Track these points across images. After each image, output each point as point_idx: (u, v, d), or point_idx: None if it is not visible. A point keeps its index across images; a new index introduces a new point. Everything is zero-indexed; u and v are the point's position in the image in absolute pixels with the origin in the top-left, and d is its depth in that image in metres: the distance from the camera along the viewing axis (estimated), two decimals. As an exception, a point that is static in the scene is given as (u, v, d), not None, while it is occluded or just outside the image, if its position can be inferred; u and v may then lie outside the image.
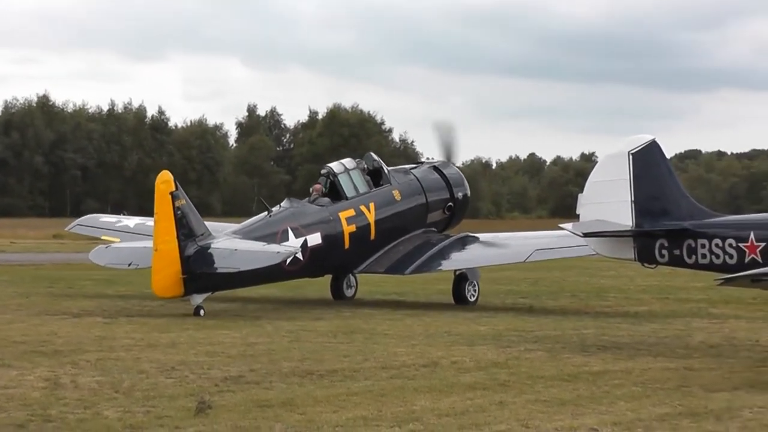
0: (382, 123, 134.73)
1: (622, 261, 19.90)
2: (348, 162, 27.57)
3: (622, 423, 11.69)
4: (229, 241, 23.85)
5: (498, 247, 27.09)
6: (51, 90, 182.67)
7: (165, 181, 23.11)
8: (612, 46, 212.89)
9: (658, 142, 18.31)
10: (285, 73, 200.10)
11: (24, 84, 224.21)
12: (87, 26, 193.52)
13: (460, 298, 26.56)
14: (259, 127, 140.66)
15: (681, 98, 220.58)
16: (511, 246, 26.83)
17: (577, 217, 18.85)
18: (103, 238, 29.13)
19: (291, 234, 25.07)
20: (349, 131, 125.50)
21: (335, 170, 27.05)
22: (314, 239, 25.50)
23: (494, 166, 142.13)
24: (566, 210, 77.82)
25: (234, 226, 26.04)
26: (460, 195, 29.01)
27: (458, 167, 30.59)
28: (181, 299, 23.40)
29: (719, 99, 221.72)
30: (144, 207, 78.14)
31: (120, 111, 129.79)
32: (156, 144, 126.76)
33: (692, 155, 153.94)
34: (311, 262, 25.46)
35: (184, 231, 22.96)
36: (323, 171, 27.47)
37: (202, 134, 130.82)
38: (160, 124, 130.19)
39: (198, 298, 23.13)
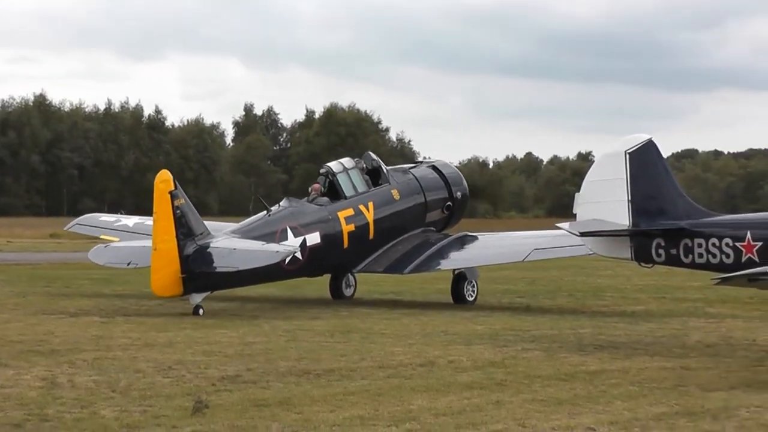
0: (379, 122, 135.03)
1: (619, 260, 19.90)
2: (347, 161, 27.56)
3: (618, 422, 11.69)
4: (228, 241, 23.86)
5: (496, 247, 27.14)
6: (48, 89, 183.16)
7: (164, 180, 23.12)
8: (611, 46, 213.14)
9: (655, 141, 18.33)
10: (284, 73, 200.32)
11: (21, 83, 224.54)
12: (85, 26, 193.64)
13: (458, 298, 26.57)
14: (256, 126, 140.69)
15: (680, 98, 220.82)
16: (510, 245, 26.86)
17: (574, 216, 18.86)
18: (102, 237, 29.14)
19: (290, 233, 25.07)
20: (346, 130, 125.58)
21: (334, 170, 27.04)
22: (313, 239, 25.51)
23: (491, 165, 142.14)
24: (563, 209, 77.96)
25: (233, 226, 26.06)
26: (458, 194, 29.01)
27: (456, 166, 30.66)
28: (180, 298, 23.42)
29: (719, 99, 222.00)
30: (141, 206, 78.40)
31: (117, 110, 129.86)
32: (153, 143, 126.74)
33: (689, 155, 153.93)
34: (310, 262, 25.47)
35: (183, 230, 22.97)
36: (322, 170, 27.46)
37: (199, 133, 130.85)
38: (157, 123, 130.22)
39: (197, 298, 23.14)
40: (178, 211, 22.93)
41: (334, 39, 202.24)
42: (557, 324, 21.59)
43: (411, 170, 29.11)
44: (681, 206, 18.04)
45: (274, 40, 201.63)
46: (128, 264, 25.11)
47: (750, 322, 22.24)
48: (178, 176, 25.90)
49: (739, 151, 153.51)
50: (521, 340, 19.01)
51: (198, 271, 22.92)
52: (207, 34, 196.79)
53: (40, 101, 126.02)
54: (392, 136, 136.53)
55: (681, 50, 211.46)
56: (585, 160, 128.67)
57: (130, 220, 29.99)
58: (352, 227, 26.45)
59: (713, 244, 17.47)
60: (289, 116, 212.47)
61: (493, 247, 27.17)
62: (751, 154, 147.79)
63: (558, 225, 20.57)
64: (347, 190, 26.84)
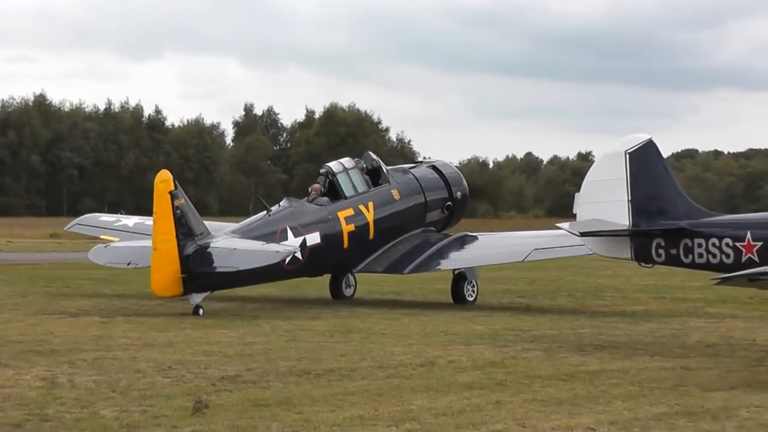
0: (379, 122, 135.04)
1: (618, 260, 19.89)
2: (347, 161, 27.56)
3: (618, 422, 11.69)
4: (228, 241, 23.86)
5: (496, 247, 27.14)
6: (48, 89, 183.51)
7: (164, 180, 23.12)
8: (611, 46, 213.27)
9: (655, 141, 18.32)
10: (283, 73, 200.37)
11: (21, 83, 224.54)
12: (85, 25, 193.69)
13: (458, 298, 26.56)
14: (255, 126, 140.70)
15: (680, 98, 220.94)
16: (510, 245, 26.86)
17: (574, 216, 18.86)
18: (102, 237, 29.14)
19: (290, 233, 25.07)
20: (346, 130, 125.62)
21: (334, 169, 27.04)
22: (313, 238, 25.51)
23: (491, 165, 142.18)
24: (563, 209, 77.95)
25: (233, 226, 26.05)
26: (458, 194, 29.01)
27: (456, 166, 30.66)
28: (180, 298, 23.42)
29: (718, 99, 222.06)
30: (141, 206, 78.40)
31: (117, 110, 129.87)
32: (153, 143, 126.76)
33: (689, 155, 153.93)
34: (310, 262, 25.47)
35: (183, 230, 22.97)
36: (322, 170, 27.46)
37: (199, 133, 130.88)
38: (157, 123, 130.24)
39: (197, 298, 23.14)
40: (178, 211, 22.93)
41: (333, 39, 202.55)
42: (557, 324, 21.58)
43: (411, 170, 29.10)
44: (681, 206, 18.04)
45: (273, 40, 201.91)
46: (128, 264, 25.11)
47: (750, 322, 22.23)
48: (178, 176, 25.90)
49: (739, 151, 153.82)
50: (521, 340, 19.01)
51: (198, 271, 22.92)
52: (207, 33, 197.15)
53: (40, 101, 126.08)
54: (392, 136, 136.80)
55: (681, 50, 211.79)
56: (585, 160, 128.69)
57: (130, 220, 29.99)
58: (352, 227, 26.45)
59: (713, 244, 17.47)
60: (289, 116, 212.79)
61: (493, 247, 27.17)
62: (751, 154, 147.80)
63: (558, 225, 20.56)
64: (347, 190, 26.83)
